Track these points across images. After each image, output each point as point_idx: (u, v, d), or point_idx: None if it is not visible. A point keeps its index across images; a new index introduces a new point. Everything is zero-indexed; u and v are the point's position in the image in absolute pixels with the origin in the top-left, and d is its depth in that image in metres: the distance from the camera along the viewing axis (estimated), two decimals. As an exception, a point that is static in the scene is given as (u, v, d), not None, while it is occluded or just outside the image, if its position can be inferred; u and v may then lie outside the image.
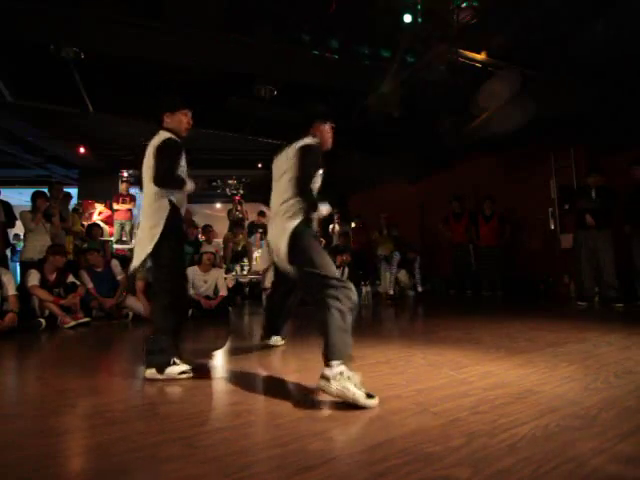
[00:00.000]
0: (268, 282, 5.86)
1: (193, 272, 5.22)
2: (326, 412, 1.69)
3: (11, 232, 6.00)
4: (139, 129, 6.82)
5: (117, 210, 9.04)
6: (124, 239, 8.80)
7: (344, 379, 1.77)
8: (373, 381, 2.10)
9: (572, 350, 2.68)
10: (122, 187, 9.44)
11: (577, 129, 5.75)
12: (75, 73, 5.27)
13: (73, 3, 4.12)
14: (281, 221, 2.31)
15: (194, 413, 1.74)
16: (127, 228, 8.93)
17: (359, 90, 5.63)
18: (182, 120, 2.84)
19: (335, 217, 8.76)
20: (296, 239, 2.19)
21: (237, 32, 4.56)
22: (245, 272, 7.14)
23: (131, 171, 9.50)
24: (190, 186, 2.75)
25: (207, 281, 5.28)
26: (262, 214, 9.60)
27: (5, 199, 5.44)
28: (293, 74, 5.18)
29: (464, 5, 3.99)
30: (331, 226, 8.93)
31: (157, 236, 2.53)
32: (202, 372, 2.51)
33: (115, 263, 5.32)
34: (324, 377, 1.81)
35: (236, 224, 7.96)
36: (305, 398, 1.91)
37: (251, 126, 6.94)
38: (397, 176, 8.98)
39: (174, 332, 2.55)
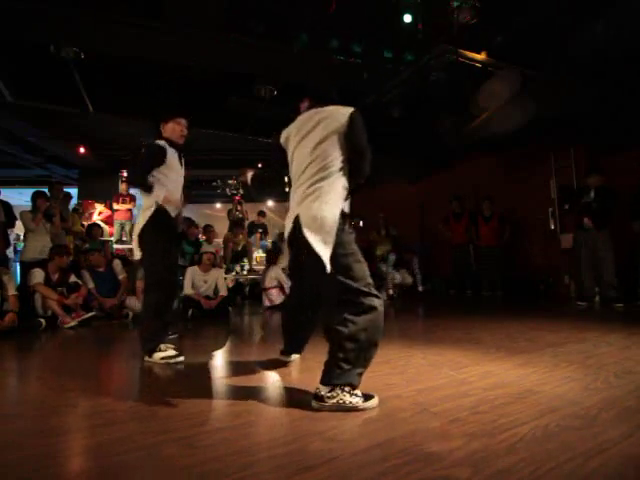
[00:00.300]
0: (268, 282, 5.87)
1: (193, 272, 5.22)
2: (326, 412, 1.69)
3: (13, 233, 6.00)
4: (139, 129, 6.82)
5: (117, 210, 9.04)
6: (124, 239, 8.80)
7: (338, 392, 1.72)
8: (373, 381, 2.10)
9: (572, 350, 2.69)
10: (122, 187, 9.43)
11: (577, 129, 5.75)
12: (75, 73, 5.27)
13: (73, 3, 4.12)
14: (319, 204, 1.89)
15: (194, 413, 1.74)
16: (127, 228, 8.92)
17: (359, 90, 5.63)
18: (175, 128, 3.03)
19: None
20: (341, 234, 1.87)
21: (237, 32, 4.55)
22: (245, 272, 7.14)
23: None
24: (159, 193, 2.83)
25: (207, 281, 5.27)
26: (262, 214, 9.62)
27: (5, 199, 5.44)
28: (293, 74, 5.18)
29: (464, 5, 3.99)
30: None
31: (139, 232, 2.87)
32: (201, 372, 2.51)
33: (117, 263, 5.33)
34: (317, 397, 1.75)
35: (236, 224, 7.96)
36: (305, 398, 1.91)
37: (251, 126, 6.93)
38: (397, 176, 8.98)
39: (161, 320, 2.86)
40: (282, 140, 2.17)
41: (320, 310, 2.32)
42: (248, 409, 1.80)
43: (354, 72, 5.12)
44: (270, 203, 12.97)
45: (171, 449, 1.39)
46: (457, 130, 6.31)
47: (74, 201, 8.14)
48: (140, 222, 2.88)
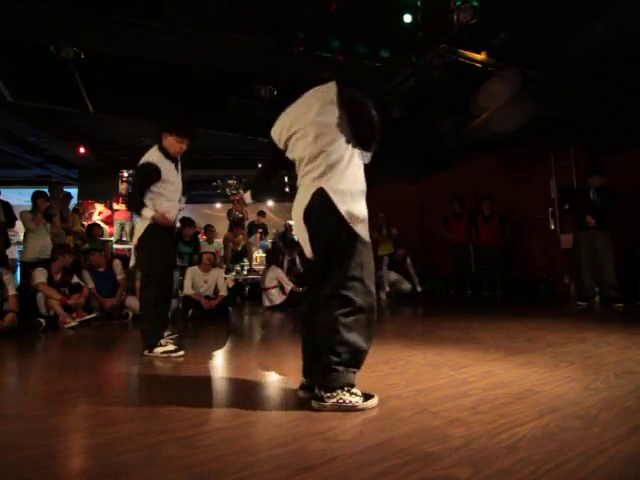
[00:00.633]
0: (268, 282, 5.86)
1: (193, 272, 5.22)
2: (326, 412, 1.69)
3: (18, 234, 6.00)
4: (139, 129, 6.84)
5: (117, 210, 9.04)
6: (124, 239, 8.80)
7: (338, 392, 1.71)
8: (373, 381, 2.10)
9: (572, 350, 2.68)
10: (122, 187, 9.45)
11: (577, 129, 5.75)
12: (75, 73, 5.27)
13: (73, 3, 4.12)
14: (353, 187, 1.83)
15: (194, 413, 1.74)
16: (127, 228, 8.93)
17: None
18: (175, 144, 3.11)
19: None
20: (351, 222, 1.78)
21: (237, 32, 4.56)
22: (245, 272, 7.14)
23: (131, 171, 9.51)
24: (148, 214, 2.97)
25: (207, 281, 5.28)
26: (262, 214, 9.62)
27: (5, 199, 5.44)
28: (293, 74, 5.18)
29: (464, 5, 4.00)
30: None
31: (137, 239, 3.01)
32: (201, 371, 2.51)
33: (117, 263, 5.34)
34: (317, 397, 1.75)
35: (236, 224, 7.96)
36: (305, 398, 1.91)
37: (251, 126, 6.94)
38: (397, 176, 8.98)
39: (161, 317, 3.00)
40: (275, 137, 2.10)
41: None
42: (248, 409, 1.80)
43: (354, 72, 5.12)
44: (270, 203, 12.98)
45: (171, 449, 1.39)
46: (457, 130, 6.31)
47: (74, 201, 8.15)
48: (139, 229, 3.03)
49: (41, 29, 4.42)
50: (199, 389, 2.17)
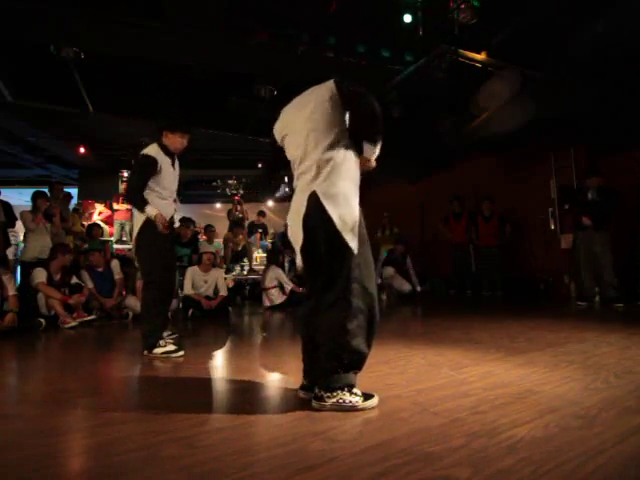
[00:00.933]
0: (268, 282, 5.87)
1: (193, 272, 5.22)
2: (326, 412, 1.69)
3: (19, 234, 6.00)
4: (139, 129, 6.84)
5: (117, 210, 9.04)
6: (124, 239, 8.80)
7: (338, 392, 1.71)
8: (373, 381, 2.10)
9: (572, 350, 2.68)
10: (122, 187, 9.45)
11: (577, 129, 5.75)
12: (75, 73, 5.27)
13: (73, 3, 4.12)
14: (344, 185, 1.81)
15: (194, 413, 1.74)
16: (127, 228, 8.93)
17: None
18: (177, 141, 3.12)
19: None
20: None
21: (237, 32, 4.56)
22: (245, 272, 7.14)
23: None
24: (150, 211, 2.92)
25: (207, 281, 5.28)
26: (262, 214, 9.62)
27: (5, 199, 5.44)
28: (293, 74, 5.18)
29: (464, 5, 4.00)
30: None
31: (137, 233, 2.99)
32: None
33: (115, 263, 5.32)
34: (317, 397, 1.75)
35: (236, 224, 7.97)
36: (305, 398, 1.91)
37: (251, 126, 6.94)
38: (397, 176, 8.98)
39: (161, 317, 3.00)
40: (276, 135, 2.09)
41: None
42: (248, 409, 1.80)
43: (354, 72, 5.12)
44: (270, 203, 12.98)
45: (171, 449, 1.39)
46: (457, 130, 6.31)
47: (74, 201, 8.15)
48: (138, 224, 3.00)
49: (41, 29, 4.42)
50: (199, 389, 2.17)
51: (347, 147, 1.86)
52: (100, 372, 2.71)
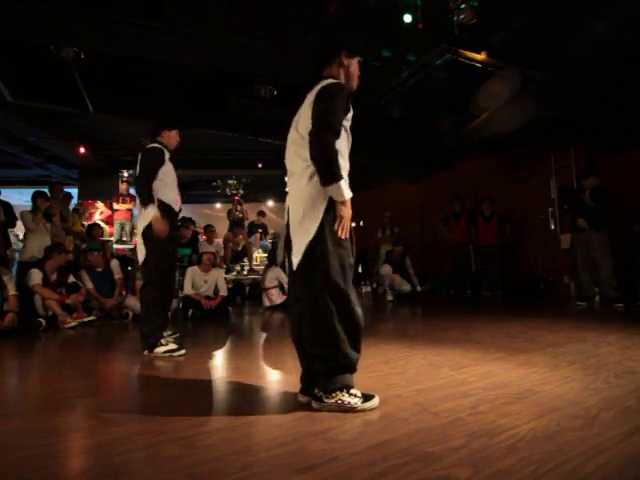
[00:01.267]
0: (268, 282, 5.87)
1: (193, 272, 5.22)
2: (326, 412, 1.69)
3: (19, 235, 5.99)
4: (139, 129, 6.83)
5: (117, 210, 9.04)
6: (124, 239, 8.81)
7: (337, 393, 1.71)
8: (373, 381, 2.11)
9: (572, 350, 2.68)
10: (122, 187, 9.45)
11: (577, 129, 5.75)
12: (75, 73, 5.27)
13: (73, 3, 4.12)
14: (309, 190, 1.76)
15: (194, 413, 1.74)
16: (127, 228, 8.94)
17: (361, 92, 5.63)
18: (176, 138, 3.25)
19: None
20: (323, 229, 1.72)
21: (237, 32, 4.56)
22: (245, 272, 7.14)
23: (131, 171, 9.52)
24: (152, 210, 2.95)
25: (207, 281, 5.28)
26: (262, 214, 9.63)
27: (5, 199, 5.44)
28: (293, 74, 5.18)
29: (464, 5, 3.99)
30: None
31: (142, 230, 2.99)
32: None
33: (115, 263, 5.32)
34: (316, 398, 1.75)
35: (236, 224, 7.97)
36: (306, 403, 1.90)
37: (251, 126, 6.93)
38: (397, 176, 8.99)
39: (162, 317, 3.03)
40: None
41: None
42: (248, 409, 1.80)
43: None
44: (270, 203, 12.98)
45: (171, 449, 1.39)
46: (457, 130, 6.31)
47: (74, 201, 8.15)
48: (142, 224, 3.01)
49: (41, 29, 4.41)
50: (199, 389, 2.17)
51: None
52: (100, 372, 2.71)
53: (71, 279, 4.75)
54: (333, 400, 1.71)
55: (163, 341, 2.98)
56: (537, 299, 6.08)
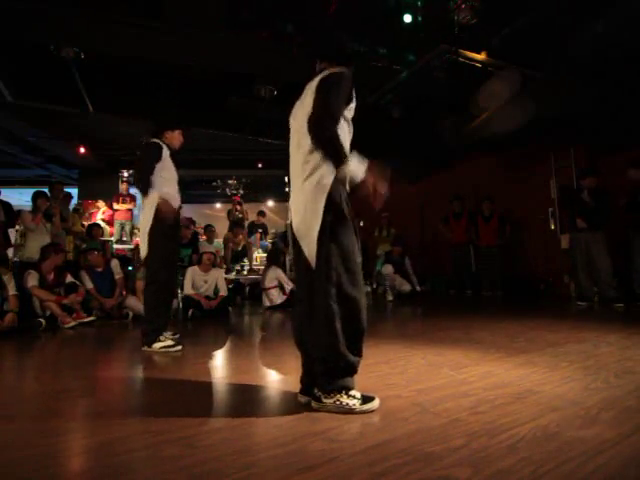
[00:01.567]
0: (268, 282, 5.86)
1: (193, 272, 5.22)
2: (326, 413, 1.69)
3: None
4: (139, 129, 6.83)
5: (117, 210, 9.04)
6: (124, 239, 8.80)
7: (336, 394, 1.71)
8: (373, 381, 2.10)
9: (572, 350, 2.68)
10: (122, 187, 9.45)
11: (577, 129, 5.75)
12: (75, 73, 5.27)
13: (73, 3, 4.12)
14: (307, 191, 1.74)
15: (194, 413, 1.74)
16: (127, 228, 8.93)
17: (358, 90, 5.63)
18: (178, 138, 3.29)
19: None
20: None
21: (237, 32, 4.56)
22: (245, 272, 7.14)
23: (131, 171, 9.52)
24: (154, 196, 2.99)
25: (207, 281, 5.28)
26: (262, 214, 9.62)
27: (5, 199, 5.44)
28: (293, 74, 5.18)
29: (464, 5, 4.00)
30: None
31: (148, 230, 3.03)
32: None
33: (115, 263, 5.32)
34: (316, 398, 1.75)
35: (236, 224, 7.97)
36: (306, 403, 1.90)
37: (251, 126, 6.94)
38: (397, 176, 8.98)
39: (163, 316, 3.09)
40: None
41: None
42: (248, 409, 1.80)
43: (354, 72, 5.12)
44: (270, 203, 12.98)
45: (171, 449, 1.39)
46: (457, 130, 6.31)
47: (74, 201, 8.15)
48: (147, 219, 3.04)
49: (41, 29, 4.41)
50: (199, 389, 2.17)
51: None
52: (100, 372, 2.71)
53: (69, 279, 4.74)
54: (332, 401, 1.70)
55: (161, 337, 3.06)
56: (537, 299, 6.08)
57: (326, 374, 1.72)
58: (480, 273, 6.99)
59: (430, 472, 1.20)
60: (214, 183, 11.06)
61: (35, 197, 5.33)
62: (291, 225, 1.87)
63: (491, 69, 4.99)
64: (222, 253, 7.14)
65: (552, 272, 6.34)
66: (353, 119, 1.84)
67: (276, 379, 2.38)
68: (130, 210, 9.05)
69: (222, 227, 9.08)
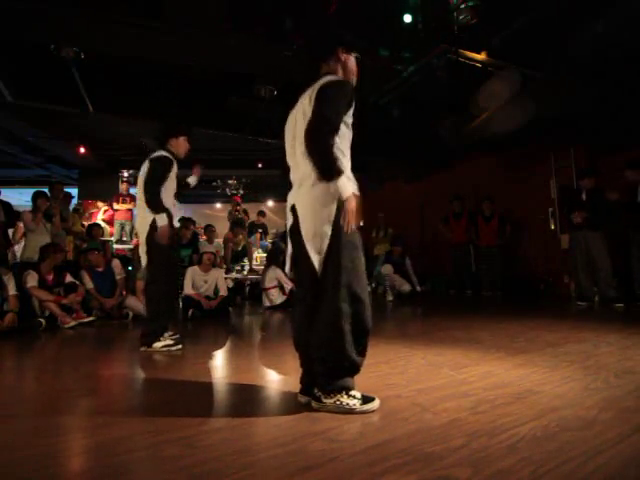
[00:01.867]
0: (268, 282, 5.86)
1: (193, 272, 5.22)
2: (326, 413, 1.69)
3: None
4: (139, 129, 6.83)
5: (117, 210, 9.04)
6: (124, 239, 8.80)
7: (336, 394, 1.71)
8: (373, 381, 2.10)
9: (572, 350, 2.68)
10: (122, 187, 9.44)
11: (577, 129, 5.75)
12: (75, 73, 5.27)
13: (73, 3, 4.12)
14: (318, 194, 1.72)
15: (194, 413, 1.74)
16: (127, 228, 8.93)
17: (358, 90, 5.63)
18: (184, 145, 3.35)
19: None
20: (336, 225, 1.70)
21: (237, 32, 4.55)
22: (245, 272, 7.14)
23: (131, 171, 9.52)
24: (160, 221, 3.01)
25: (207, 281, 5.28)
26: (262, 214, 9.63)
27: (5, 199, 5.44)
28: (293, 74, 5.18)
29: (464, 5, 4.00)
30: None
31: (145, 240, 3.03)
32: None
33: (116, 263, 5.32)
34: (315, 398, 1.75)
35: (236, 224, 7.97)
36: (306, 403, 1.90)
37: (251, 126, 6.93)
38: (397, 176, 8.98)
39: (164, 318, 3.11)
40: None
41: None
42: (248, 409, 1.80)
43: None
44: (270, 203, 12.98)
45: (171, 449, 1.39)
46: (457, 130, 6.30)
47: (74, 201, 8.15)
48: (144, 226, 3.06)
49: (41, 29, 4.41)
50: (199, 389, 2.17)
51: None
52: (100, 372, 2.71)
53: (69, 279, 4.74)
54: (332, 401, 1.70)
55: (161, 337, 3.08)
56: (537, 299, 6.08)
57: (326, 374, 1.72)
58: (480, 273, 7.00)
59: (430, 472, 1.20)
60: (214, 183, 11.06)
61: (35, 197, 5.33)
62: (291, 226, 1.86)
63: (491, 69, 4.99)
64: (222, 253, 7.14)
65: (552, 272, 6.34)
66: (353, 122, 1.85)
67: (276, 379, 2.38)
68: (130, 210, 9.05)
69: (222, 227, 9.09)
